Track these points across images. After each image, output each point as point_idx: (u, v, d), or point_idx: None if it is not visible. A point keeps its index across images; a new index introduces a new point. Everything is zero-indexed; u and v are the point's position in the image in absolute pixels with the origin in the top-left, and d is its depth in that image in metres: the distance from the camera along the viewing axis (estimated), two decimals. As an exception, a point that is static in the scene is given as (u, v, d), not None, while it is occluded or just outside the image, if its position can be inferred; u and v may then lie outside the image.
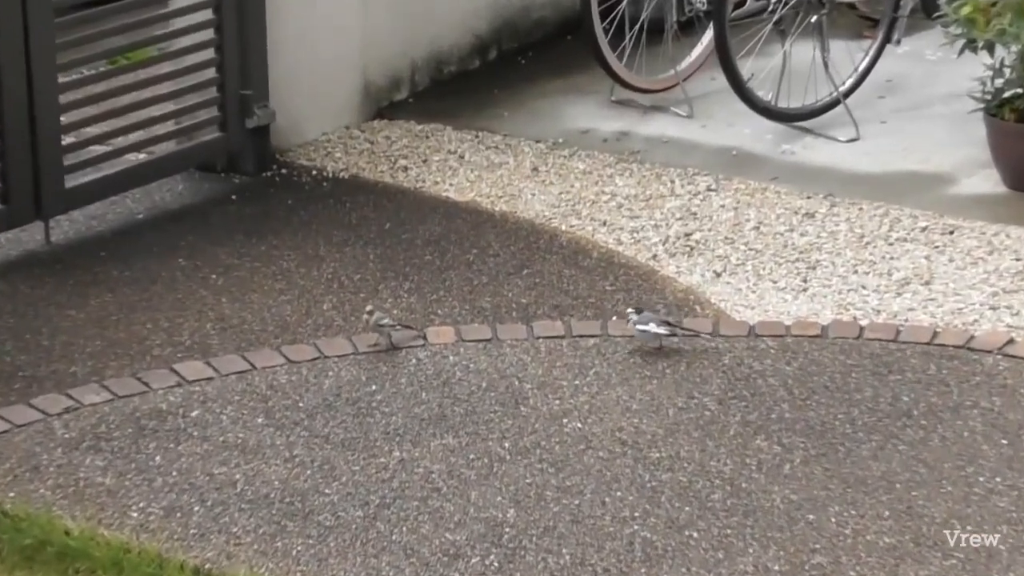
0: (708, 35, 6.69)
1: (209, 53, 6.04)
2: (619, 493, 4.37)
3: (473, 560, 4.12)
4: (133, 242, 5.76)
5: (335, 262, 5.63)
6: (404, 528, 4.24)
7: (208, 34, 6.01)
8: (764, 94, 6.48)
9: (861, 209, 5.92)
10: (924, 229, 5.78)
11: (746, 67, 6.43)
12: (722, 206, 5.98)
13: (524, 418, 4.70)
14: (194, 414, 4.72)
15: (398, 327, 5.11)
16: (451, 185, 6.17)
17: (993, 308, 5.29)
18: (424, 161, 6.36)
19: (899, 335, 5.10)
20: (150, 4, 5.97)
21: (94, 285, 5.47)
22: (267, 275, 5.55)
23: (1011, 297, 5.35)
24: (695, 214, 5.93)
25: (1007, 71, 6.03)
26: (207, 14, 6.00)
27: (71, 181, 5.73)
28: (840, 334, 5.12)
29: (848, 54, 6.66)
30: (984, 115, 6.05)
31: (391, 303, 5.34)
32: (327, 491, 4.38)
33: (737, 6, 6.49)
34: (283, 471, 4.46)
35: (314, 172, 6.29)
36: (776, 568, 4.10)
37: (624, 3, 6.64)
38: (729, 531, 4.22)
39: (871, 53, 6.68)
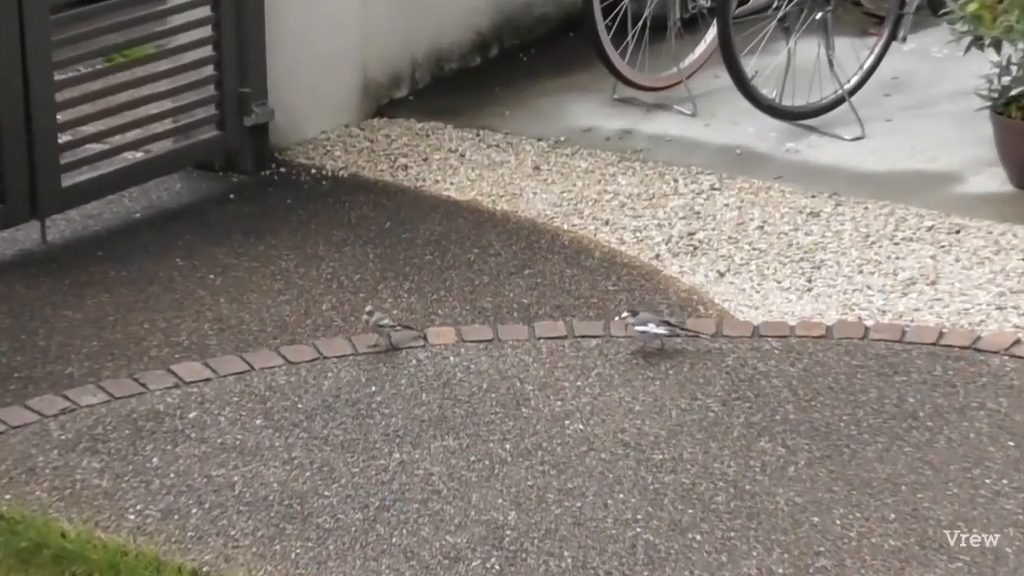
0: (712, 32, 6.70)
1: (207, 50, 6.04)
2: (621, 495, 4.36)
3: (474, 563, 4.11)
4: (130, 241, 5.77)
5: (334, 262, 5.63)
6: (404, 531, 4.24)
7: (206, 31, 6.02)
8: (768, 92, 6.48)
9: (866, 208, 5.92)
10: (930, 228, 5.78)
11: (750, 65, 6.43)
12: (726, 205, 5.98)
13: (525, 419, 4.70)
14: (192, 415, 4.72)
15: (398, 327, 5.10)
16: (452, 184, 6.17)
17: (1000, 308, 5.28)
18: (424, 160, 6.36)
19: (905, 336, 5.10)
20: (147, 1, 5.95)
21: (91, 285, 5.48)
22: (265, 275, 5.55)
23: (1018, 297, 5.34)
24: (698, 213, 5.92)
25: (1014, 69, 6.03)
26: (205, 11, 6.00)
27: (67, 180, 5.74)
28: (845, 335, 5.12)
29: (853, 51, 6.67)
30: (991, 113, 6.05)
31: (391, 303, 5.33)
32: (326, 493, 4.38)
33: (741, 3, 6.51)
34: (282, 473, 4.46)
35: (313, 171, 6.30)
36: (780, 571, 4.10)
37: (627, 0, 6.63)
38: (733, 534, 4.22)
39: (876, 50, 6.68)
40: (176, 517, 4.28)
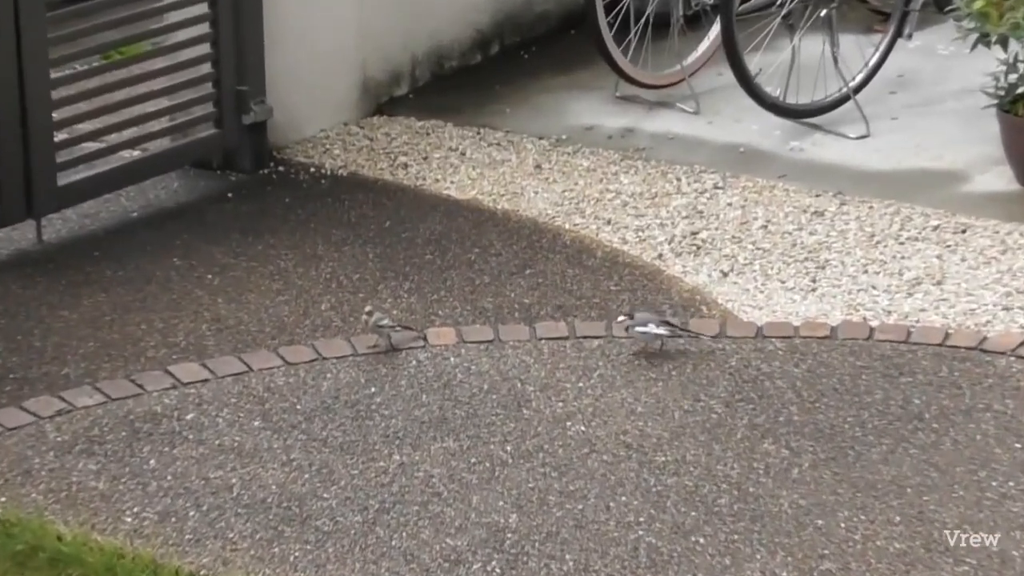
0: (715, 29, 6.68)
1: (205, 48, 6.04)
2: (624, 498, 4.35)
3: (474, 566, 4.11)
4: (127, 241, 5.77)
5: (333, 261, 5.62)
6: (404, 533, 4.23)
7: (203, 28, 6.02)
8: (772, 90, 6.48)
9: (871, 207, 5.92)
10: (936, 228, 5.78)
11: (754, 62, 6.43)
12: (729, 204, 5.97)
13: (527, 421, 4.69)
14: (189, 417, 4.71)
15: (398, 328, 5.10)
16: (452, 183, 6.17)
17: (1006, 309, 5.28)
18: (424, 158, 6.36)
19: (910, 336, 5.10)
20: (144, -2, 6.00)
21: (87, 285, 5.47)
22: (264, 275, 5.54)
23: (1025, 297, 5.37)
24: (702, 212, 5.91)
25: (1021, 66, 6.02)
26: (202, 8, 6.00)
27: (63, 179, 5.74)
28: (850, 335, 5.11)
29: (858, 49, 6.67)
30: (997, 111, 6.04)
31: (391, 303, 5.32)
32: (325, 495, 4.37)
33: (744, 0, 6.46)
34: (280, 475, 4.45)
35: (312, 169, 6.29)
36: (784, 574, 4.09)
37: (629, -3, 6.67)
38: (736, 536, 4.21)
39: (882, 48, 6.68)
40: (173, 519, 4.27)
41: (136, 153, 6.05)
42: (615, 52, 6.57)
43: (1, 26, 5.42)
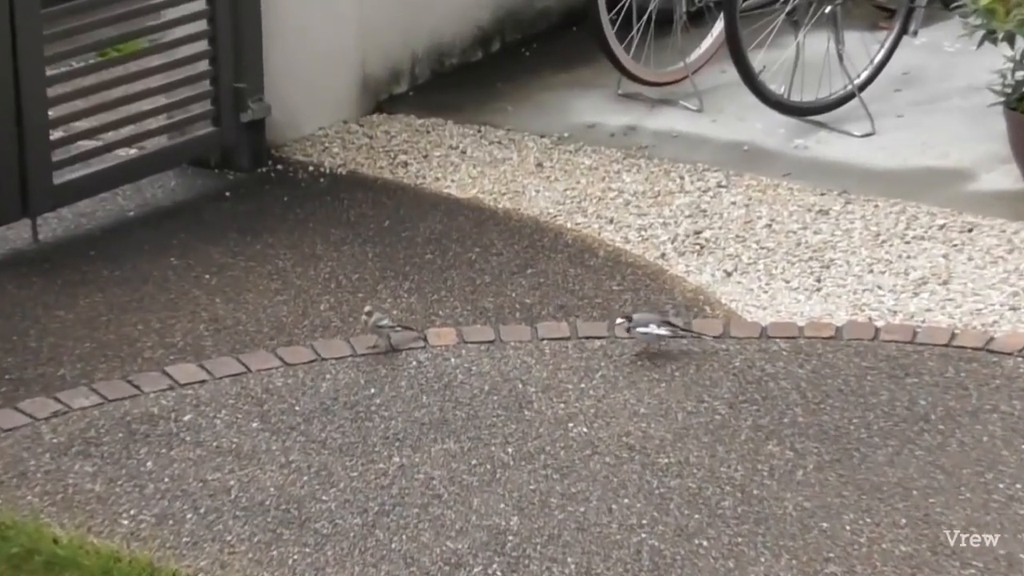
0: (718, 26, 6.71)
1: (202, 45, 6.04)
2: (626, 500, 4.34)
3: (475, 569, 4.10)
4: (123, 240, 5.76)
5: (333, 261, 5.61)
6: (404, 536, 4.22)
7: (201, 25, 6.02)
8: (776, 87, 6.47)
9: (877, 206, 5.91)
10: (942, 227, 5.77)
11: (758, 59, 6.43)
12: (733, 203, 5.97)
13: (528, 422, 4.68)
14: (187, 418, 4.70)
15: (398, 328, 5.09)
16: (453, 181, 6.16)
17: (1013, 309, 5.27)
18: (425, 156, 6.35)
19: (916, 337, 5.09)
20: (141, -6, 6.01)
21: (83, 285, 5.46)
22: (262, 274, 5.53)
23: (1032, 297, 5.38)
24: (705, 211, 5.91)
25: (1027, 63, 6.05)
26: (200, 4, 6.00)
27: (59, 177, 5.73)
28: (855, 335, 5.10)
29: (863, 46, 6.67)
30: (1004, 109, 6.03)
31: (390, 303, 5.32)
32: (324, 498, 4.36)
33: (748, -4, 6.52)
34: (279, 477, 4.44)
35: (311, 168, 6.29)
36: (789, 578, 4.11)
37: (631, -7, 6.69)
38: (740, 539, 4.20)
39: (887, 45, 6.68)
40: (171, 522, 4.26)
41: (133, 151, 6.06)
42: (617, 49, 6.57)
43: (-3, 23, 5.45)
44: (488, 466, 4.47)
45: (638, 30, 6.61)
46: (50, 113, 5.63)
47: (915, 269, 5.49)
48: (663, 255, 5.62)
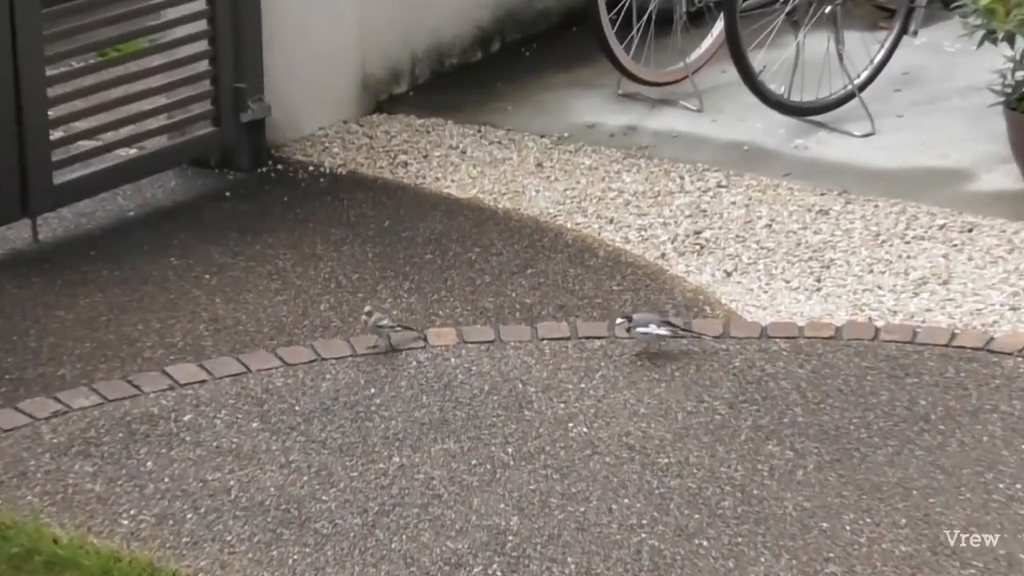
0: (718, 26, 6.70)
1: (202, 45, 6.03)
2: (626, 500, 4.34)
3: (475, 569, 4.09)
4: (123, 240, 5.75)
5: (332, 261, 5.61)
6: (404, 536, 4.21)
7: (201, 25, 6.01)
8: (776, 87, 6.47)
9: (877, 206, 5.91)
10: (942, 227, 5.76)
11: (758, 59, 6.43)
12: (733, 203, 5.96)
13: (528, 422, 4.68)
14: (187, 418, 4.70)
15: (398, 328, 5.08)
16: (453, 181, 6.16)
17: (1014, 309, 5.26)
18: (425, 156, 6.35)
19: (916, 337, 5.08)
20: (141, -6, 5.99)
21: (83, 285, 5.46)
22: (262, 274, 5.53)
23: (1032, 297, 5.37)
24: (705, 211, 5.90)
25: (1027, 63, 6.05)
26: (200, 4, 5.99)
27: (59, 177, 5.72)
28: (855, 335, 5.10)
29: (863, 46, 6.66)
30: (1004, 109, 6.03)
31: (390, 303, 5.31)
32: (324, 498, 4.36)
33: (748, -4, 6.52)
34: (279, 477, 4.43)
35: (311, 168, 6.28)
36: (789, 578, 4.10)
37: (631, -7, 6.68)
38: (740, 539, 4.19)
39: (887, 45, 6.68)
40: (171, 522, 4.25)
41: (133, 151, 6.05)
42: (617, 49, 6.56)
43: (-4, 23, 5.44)
44: (488, 466, 4.47)
45: (638, 30, 6.60)
46: (50, 113, 5.62)
47: (915, 269, 5.48)
48: (663, 255, 5.61)
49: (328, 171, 6.23)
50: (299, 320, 5.21)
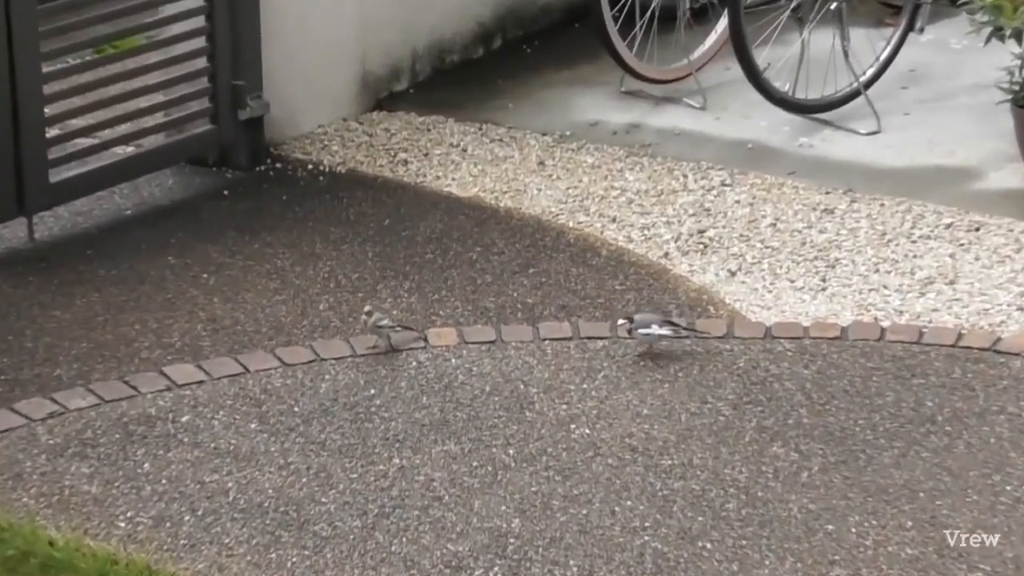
0: (722, 23, 6.71)
1: (200, 41, 6.04)
2: (629, 502, 4.33)
3: (476, 572, 4.09)
4: (120, 239, 5.75)
5: (332, 260, 5.60)
6: (404, 538, 4.21)
7: (199, 22, 6.02)
8: (781, 85, 6.48)
9: (883, 205, 5.90)
10: (949, 226, 5.76)
11: (762, 56, 6.42)
12: (737, 202, 5.96)
13: (529, 424, 4.67)
14: (184, 419, 4.69)
15: (398, 328, 5.08)
16: (453, 180, 6.15)
17: (1021, 309, 5.26)
18: (425, 155, 6.34)
19: (922, 337, 5.08)
20: (138, -10, 6.01)
21: (80, 284, 5.45)
22: (261, 274, 5.52)
23: (1039, 296, 5.38)
24: (709, 210, 5.89)
25: (1034, 60, 6.06)
26: (198, 1, 5.99)
27: (55, 175, 5.73)
28: (861, 336, 5.09)
29: (869, 43, 6.67)
30: (1012, 107, 6.03)
31: (390, 303, 5.30)
32: (323, 500, 4.35)
33: (752, -8, 6.54)
34: (277, 479, 4.43)
35: (310, 166, 6.28)
36: (794, 582, 4.10)
37: (634, -11, 6.70)
38: (744, 542, 4.18)
39: (893, 42, 6.68)
40: (168, 524, 4.25)
41: (130, 149, 6.05)
42: (620, 46, 6.57)
43: (-8, 19, 5.44)
44: (489, 468, 4.46)
45: (641, 27, 6.61)
46: (46, 110, 5.62)
47: (921, 269, 5.48)
48: (666, 254, 5.60)
49: (327, 169, 6.23)
50: (298, 320, 5.21)
